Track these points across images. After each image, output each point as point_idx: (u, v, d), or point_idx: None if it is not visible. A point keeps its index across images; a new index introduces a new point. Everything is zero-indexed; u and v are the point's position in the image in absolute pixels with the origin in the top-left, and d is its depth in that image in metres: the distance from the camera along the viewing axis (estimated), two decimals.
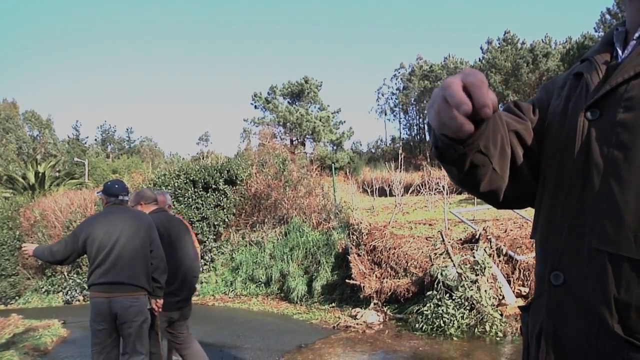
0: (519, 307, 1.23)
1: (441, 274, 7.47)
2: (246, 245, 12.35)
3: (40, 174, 27.36)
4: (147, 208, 4.69)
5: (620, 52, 1.09)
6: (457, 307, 7.11)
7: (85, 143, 59.81)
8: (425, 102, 49.19)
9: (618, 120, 0.96)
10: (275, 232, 12.15)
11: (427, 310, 7.31)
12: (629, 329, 0.90)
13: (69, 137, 59.35)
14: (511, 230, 8.90)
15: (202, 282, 12.13)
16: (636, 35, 1.05)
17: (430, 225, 11.67)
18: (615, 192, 0.93)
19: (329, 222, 11.51)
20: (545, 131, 1.18)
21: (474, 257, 7.61)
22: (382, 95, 56.20)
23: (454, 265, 7.51)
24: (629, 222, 0.90)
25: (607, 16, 32.66)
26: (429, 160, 28.42)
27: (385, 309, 8.44)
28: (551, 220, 1.07)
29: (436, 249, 8.85)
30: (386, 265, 9.25)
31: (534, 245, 1.20)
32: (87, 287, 4.16)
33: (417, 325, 7.29)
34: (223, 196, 12.82)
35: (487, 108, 0.86)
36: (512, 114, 1.23)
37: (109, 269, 4.01)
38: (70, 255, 4.18)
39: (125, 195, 4.37)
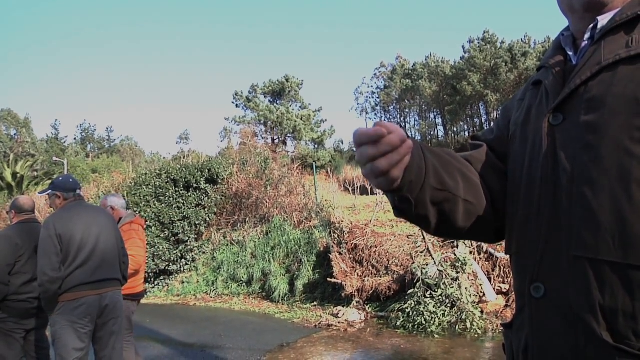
0: (501, 324, 1.21)
1: (422, 272, 7.52)
2: (227, 245, 12.30)
3: (18, 174, 26.99)
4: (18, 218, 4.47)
5: (572, 54, 1.10)
6: (438, 304, 7.15)
7: (65, 142, 59.07)
8: (407, 100, 49.38)
9: (582, 122, 0.96)
10: (257, 231, 12.12)
11: (408, 308, 7.35)
12: (618, 335, 0.87)
13: (47, 136, 58.56)
14: None
15: (183, 282, 12.07)
16: (587, 36, 1.05)
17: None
18: (588, 195, 0.91)
19: (310, 221, 11.51)
20: (509, 145, 1.19)
21: (455, 254, 7.67)
22: (362, 94, 56.33)
23: (435, 263, 7.55)
24: (606, 225, 0.89)
25: None
26: None
27: (366, 307, 8.46)
28: (526, 232, 1.05)
29: (417, 247, 8.89)
30: (367, 263, 9.28)
31: (510, 261, 1.17)
32: (64, 289, 3.78)
33: (398, 323, 7.33)
34: (204, 195, 12.75)
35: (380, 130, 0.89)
36: (469, 148, 1.27)
37: (98, 267, 3.88)
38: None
39: (80, 190, 4.17)
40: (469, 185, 1.12)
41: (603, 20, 1.02)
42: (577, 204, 0.93)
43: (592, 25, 1.04)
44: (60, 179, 4.19)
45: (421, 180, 1.01)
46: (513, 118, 1.20)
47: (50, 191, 4.10)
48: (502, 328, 1.20)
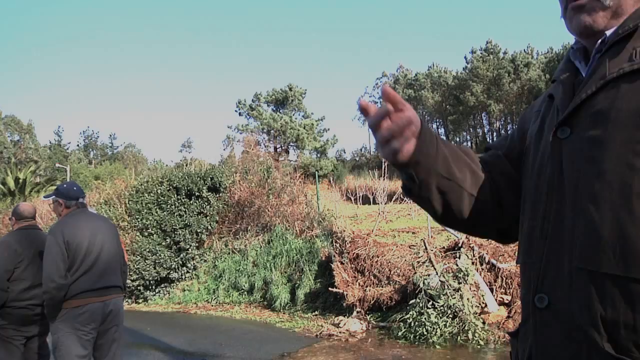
0: (507, 332, 1.23)
1: (424, 282, 7.49)
2: (229, 253, 12.27)
3: (20, 180, 27.04)
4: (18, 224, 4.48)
5: (582, 67, 1.10)
6: (440, 315, 7.12)
7: (68, 149, 59.28)
8: None
9: (587, 136, 0.96)
10: (259, 239, 12.09)
11: (409, 319, 7.32)
12: (620, 347, 0.88)
13: (50, 142, 58.77)
14: None
15: (184, 290, 12.05)
16: (596, 49, 1.05)
17: (413, 233, 11.70)
18: (590, 209, 0.92)
19: (312, 230, 11.49)
20: (523, 156, 1.21)
21: (457, 265, 7.64)
22: None
23: (437, 274, 7.53)
24: (607, 239, 0.89)
25: None
26: None
27: (368, 317, 8.44)
28: (532, 242, 1.06)
29: (419, 257, 8.86)
30: (369, 273, 9.25)
31: (519, 270, 1.19)
32: (69, 295, 3.79)
33: (399, 334, 7.30)
34: (206, 203, 12.74)
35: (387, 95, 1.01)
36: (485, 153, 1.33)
37: (102, 274, 3.90)
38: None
39: (84, 198, 4.20)
40: (476, 181, 1.18)
41: (610, 32, 1.02)
42: (580, 217, 0.94)
43: (600, 40, 1.04)
44: (65, 185, 4.22)
45: (428, 164, 1.10)
46: (530, 129, 1.22)
47: (53, 197, 4.13)
48: (508, 337, 1.21)
